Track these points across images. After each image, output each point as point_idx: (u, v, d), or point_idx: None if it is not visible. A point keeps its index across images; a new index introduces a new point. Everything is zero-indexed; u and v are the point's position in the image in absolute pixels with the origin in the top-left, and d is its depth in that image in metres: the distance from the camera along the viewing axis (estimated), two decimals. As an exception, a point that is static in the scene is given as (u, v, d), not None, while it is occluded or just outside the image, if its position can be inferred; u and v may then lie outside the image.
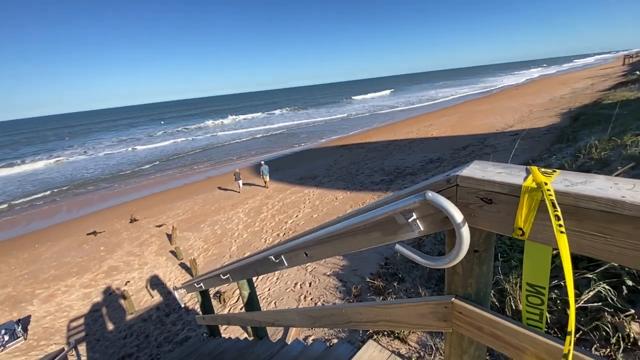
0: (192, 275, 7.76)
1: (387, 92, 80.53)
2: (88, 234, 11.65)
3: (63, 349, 2.76)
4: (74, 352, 5.63)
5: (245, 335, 4.31)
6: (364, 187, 11.42)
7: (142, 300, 7.31)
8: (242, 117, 55.87)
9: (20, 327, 6.67)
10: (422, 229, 0.84)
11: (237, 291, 6.27)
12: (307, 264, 6.33)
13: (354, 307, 1.32)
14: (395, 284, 3.97)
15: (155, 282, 7.93)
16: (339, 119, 40.47)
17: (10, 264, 10.21)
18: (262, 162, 14.58)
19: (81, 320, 7.03)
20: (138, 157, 29.57)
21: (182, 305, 6.37)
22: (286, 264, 1.64)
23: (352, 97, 75.45)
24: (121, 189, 19.33)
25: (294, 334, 4.08)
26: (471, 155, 12.72)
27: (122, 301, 7.19)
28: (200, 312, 4.04)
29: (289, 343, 2.04)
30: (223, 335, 3.93)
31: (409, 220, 0.83)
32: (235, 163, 21.52)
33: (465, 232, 0.72)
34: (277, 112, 60.66)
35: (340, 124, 35.94)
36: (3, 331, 6.37)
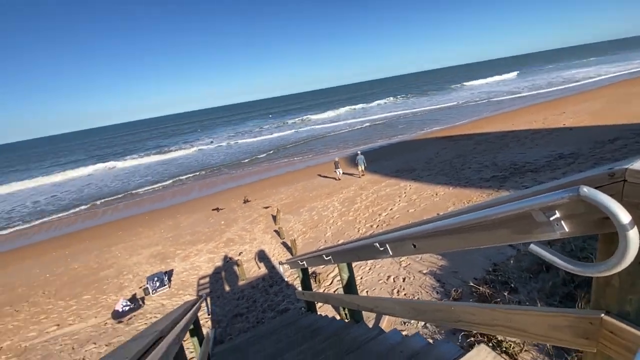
0: (292, 254, 8.54)
1: (512, 74, 69.80)
2: (213, 210, 14.04)
3: (198, 299, 3.45)
4: (204, 303, 6.98)
5: (338, 317, 4.54)
6: (470, 184, 10.34)
7: (251, 269, 8.45)
8: (342, 109, 57.15)
9: (166, 277, 8.58)
10: (566, 229, 0.74)
11: (332, 274, 6.62)
12: (401, 259, 6.19)
13: (465, 306, 1.25)
14: (505, 294, 3.54)
15: (261, 256, 9.05)
16: (444, 107, 37.46)
17: (160, 228, 13.17)
18: (358, 152, 14.77)
19: (207, 279, 8.60)
20: (251, 147, 33.79)
21: (285, 279, 7.12)
22: (391, 253, 1.66)
23: (464, 83, 68.46)
24: (237, 173, 22.55)
25: (385, 325, 4.09)
26: (621, 151, 10.02)
27: (236, 268, 8.46)
28: (300, 288, 4.44)
29: (386, 331, 2.08)
30: (319, 313, 4.24)
31: (551, 219, 0.74)
32: (333, 154, 22.35)
33: (634, 236, 0.60)
34: (376, 103, 59.84)
35: (445, 113, 33.24)
36: (155, 278, 8.31)
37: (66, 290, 9.05)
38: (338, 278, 6.34)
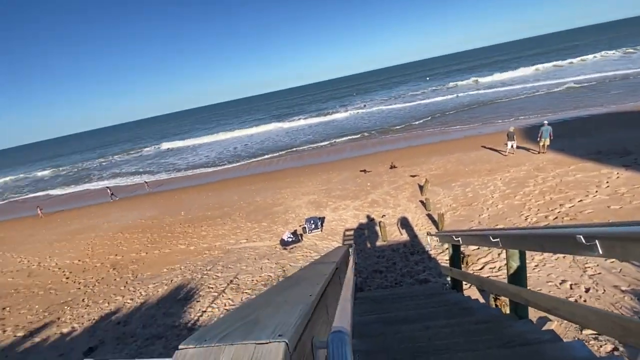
0: (437, 228, 8.16)
1: None
2: (360, 171, 14.87)
3: (349, 247, 3.84)
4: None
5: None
6: None
7: (392, 233, 8.67)
8: (524, 69, 46.01)
9: (320, 222, 9.95)
10: None
11: (483, 259, 5.97)
12: (587, 264, 4.87)
13: None
14: None
15: (404, 223, 9.08)
16: None
17: (316, 181, 15.10)
18: (545, 122, 11.83)
19: (351, 232, 9.45)
20: (403, 112, 32.85)
21: (429, 250, 6.98)
22: (600, 252, 1.32)
23: None
24: (386, 138, 22.68)
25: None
26: None
27: (377, 228, 8.85)
28: (446, 264, 4.25)
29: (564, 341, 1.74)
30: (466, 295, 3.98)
31: None
32: (500, 124, 18.97)
33: None
34: (578, 59, 45.19)
35: None
36: (312, 221, 9.76)
37: (252, 215, 12.01)
38: (491, 265, 5.66)
